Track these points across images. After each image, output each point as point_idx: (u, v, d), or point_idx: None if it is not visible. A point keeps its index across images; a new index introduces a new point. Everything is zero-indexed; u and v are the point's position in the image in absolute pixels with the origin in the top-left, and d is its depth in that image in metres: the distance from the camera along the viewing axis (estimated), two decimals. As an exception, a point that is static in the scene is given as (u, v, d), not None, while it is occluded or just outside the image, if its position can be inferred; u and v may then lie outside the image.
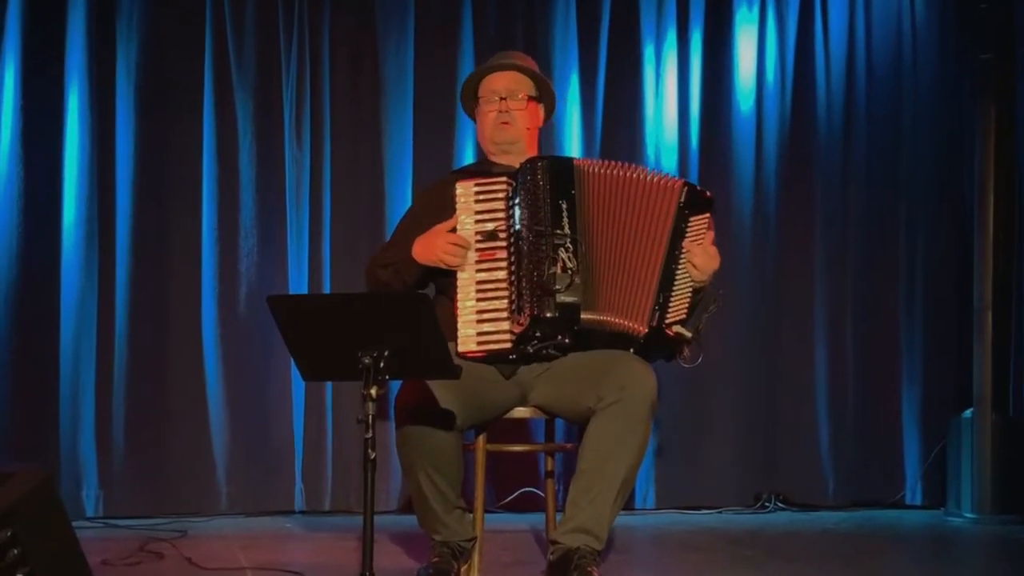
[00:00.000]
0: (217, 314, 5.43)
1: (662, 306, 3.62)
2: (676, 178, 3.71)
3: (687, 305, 3.67)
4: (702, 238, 3.68)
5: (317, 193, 5.52)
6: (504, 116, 3.86)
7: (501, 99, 3.87)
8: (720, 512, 5.64)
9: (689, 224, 3.67)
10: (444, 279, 3.73)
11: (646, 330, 3.62)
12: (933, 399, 5.85)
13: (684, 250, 3.66)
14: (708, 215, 3.70)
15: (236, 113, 5.47)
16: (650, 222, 3.65)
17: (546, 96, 3.97)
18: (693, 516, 5.58)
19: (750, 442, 5.75)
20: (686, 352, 3.70)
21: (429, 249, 3.66)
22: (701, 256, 3.66)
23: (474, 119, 4.00)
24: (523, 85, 3.91)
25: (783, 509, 5.69)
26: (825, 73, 5.87)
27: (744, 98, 5.83)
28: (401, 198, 5.51)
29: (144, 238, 5.40)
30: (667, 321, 3.63)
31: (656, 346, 3.65)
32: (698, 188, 3.70)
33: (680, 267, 3.65)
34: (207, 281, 5.43)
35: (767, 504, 5.69)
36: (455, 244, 3.62)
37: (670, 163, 5.71)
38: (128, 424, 5.35)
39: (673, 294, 3.64)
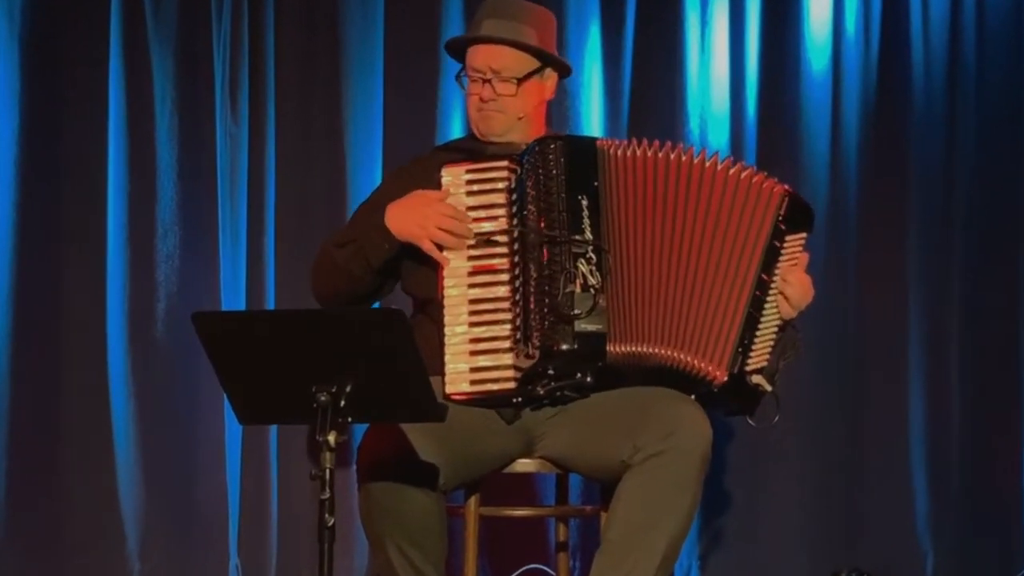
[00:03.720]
0: (127, 337, 5.42)
1: (746, 348, 3.59)
2: (772, 179, 3.69)
3: (771, 348, 3.64)
4: (796, 262, 3.66)
5: (258, 179, 5.52)
6: (490, 106, 3.81)
7: (485, 81, 3.82)
8: (786, 596, 5.65)
9: (785, 244, 3.65)
10: (424, 295, 3.68)
11: (726, 377, 3.59)
12: (1064, 449, 5.85)
13: (776, 277, 3.63)
14: (806, 234, 3.70)
15: (152, 74, 5.44)
16: (731, 232, 3.64)
17: (556, 64, 3.91)
18: (750, 601, 5.59)
19: (824, 505, 5.75)
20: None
21: (413, 220, 3.60)
22: (796, 287, 3.68)
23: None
24: (518, 62, 3.85)
25: (868, 592, 5.70)
26: (922, 23, 5.86)
27: (817, 55, 5.82)
28: (367, 185, 5.46)
29: (30, 239, 5.39)
30: (748, 368, 3.60)
31: (727, 399, 3.62)
32: (798, 195, 3.68)
33: (770, 298, 3.64)
34: (114, 295, 5.42)
35: (847, 585, 5.70)
36: (453, 217, 3.56)
37: (720, 138, 5.70)
38: (10, 480, 5.34)
39: (759, 333, 3.61)
